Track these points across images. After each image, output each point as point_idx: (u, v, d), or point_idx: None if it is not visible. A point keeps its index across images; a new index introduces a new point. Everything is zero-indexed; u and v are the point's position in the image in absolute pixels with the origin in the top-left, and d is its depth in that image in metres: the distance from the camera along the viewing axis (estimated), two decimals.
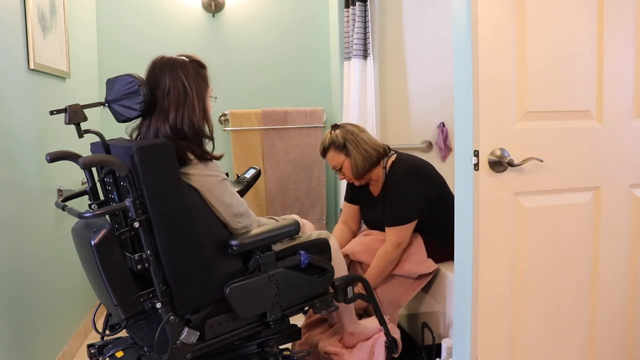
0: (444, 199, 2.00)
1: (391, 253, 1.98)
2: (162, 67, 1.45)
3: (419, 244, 2.05)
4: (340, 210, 2.94)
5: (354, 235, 2.30)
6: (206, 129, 1.50)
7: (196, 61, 1.51)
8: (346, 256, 2.07)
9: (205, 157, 1.45)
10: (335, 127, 2.13)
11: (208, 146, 1.52)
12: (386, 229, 2.02)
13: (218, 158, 1.51)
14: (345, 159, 2.07)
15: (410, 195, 1.99)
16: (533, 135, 1.37)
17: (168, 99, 1.43)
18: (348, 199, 2.31)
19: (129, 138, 1.54)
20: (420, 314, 2.16)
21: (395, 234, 1.98)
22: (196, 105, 1.46)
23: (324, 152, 2.13)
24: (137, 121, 1.50)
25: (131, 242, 1.43)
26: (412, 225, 2.00)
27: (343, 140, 2.06)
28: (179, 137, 1.43)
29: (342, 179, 2.18)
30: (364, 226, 2.36)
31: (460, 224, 1.41)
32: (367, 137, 2.10)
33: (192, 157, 1.41)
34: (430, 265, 2.01)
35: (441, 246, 1.98)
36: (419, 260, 2.01)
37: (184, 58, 1.49)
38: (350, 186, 2.26)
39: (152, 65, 1.47)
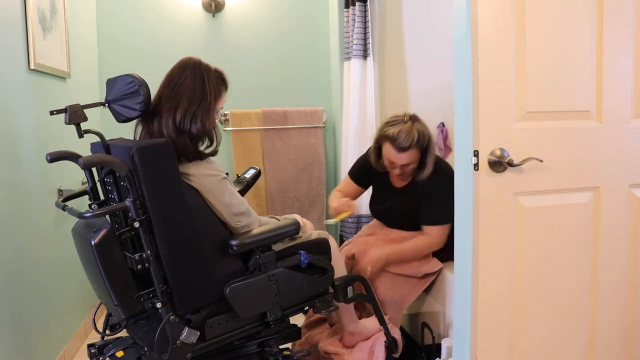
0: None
1: (428, 248, 1.96)
2: (187, 64, 1.47)
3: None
4: None
5: None
6: (214, 134, 1.51)
7: (220, 73, 1.52)
8: (352, 256, 2.06)
9: (200, 156, 1.45)
10: (411, 119, 1.91)
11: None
12: (432, 227, 1.96)
13: (212, 154, 1.51)
14: (417, 160, 1.93)
15: (452, 196, 1.97)
16: (533, 135, 1.37)
17: (182, 90, 1.43)
18: (356, 178, 2.18)
19: (129, 138, 1.54)
20: (420, 314, 2.16)
21: (442, 233, 1.95)
22: (211, 109, 1.47)
23: (406, 149, 1.87)
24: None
25: (131, 242, 1.43)
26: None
27: (428, 140, 1.89)
28: (180, 132, 1.42)
29: (398, 174, 1.99)
30: (364, 226, 2.35)
31: (460, 224, 1.41)
32: None
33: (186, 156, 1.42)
34: (436, 265, 2.01)
35: (447, 246, 1.98)
36: (425, 259, 2.01)
37: (211, 65, 1.50)
38: (363, 167, 2.14)
39: (179, 62, 1.49)
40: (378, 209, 2.20)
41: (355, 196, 2.23)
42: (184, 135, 1.43)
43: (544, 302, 1.44)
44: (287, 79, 3.17)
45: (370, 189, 2.26)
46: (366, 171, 2.14)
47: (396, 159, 1.93)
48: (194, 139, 1.44)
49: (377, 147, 2.02)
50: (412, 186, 2.03)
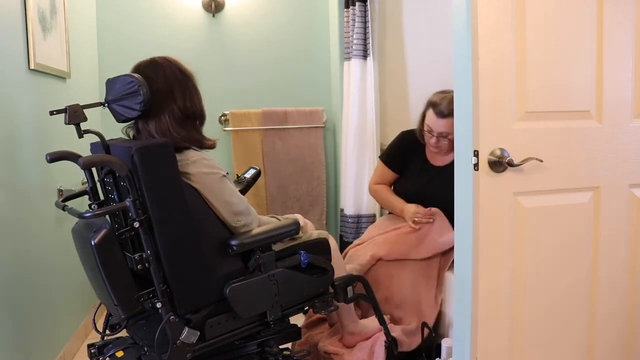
0: None
1: None
2: (152, 64, 1.48)
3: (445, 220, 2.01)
4: (341, 210, 2.94)
5: None
6: (203, 111, 1.56)
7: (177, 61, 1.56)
8: (380, 259, 2.02)
9: (204, 144, 1.50)
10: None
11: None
12: None
13: (213, 144, 1.55)
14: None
15: None
16: (533, 135, 1.37)
17: (168, 84, 1.45)
18: (390, 162, 2.15)
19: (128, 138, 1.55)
20: None
21: None
22: (196, 84, 1.52)
23: (445, 116, 1.87)
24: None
25: (131, 242, 1.43)
26: None
27: None
28: (186, 117, 1.47)
29: (434, 145, 1.98)
30: (370, 227, 2.32)
31: (460, 224, 1.41)
32: None
33: (189, 146, 1.45)
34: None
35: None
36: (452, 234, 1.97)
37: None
38: (398, 147, 2.12)
39: (136, 67, 1.48)
40: (409, 190, 2.12)
41: (391, 184, 2.23)
42: (191, 120, 1.48)
43: (544, 302, 1.44)
44: (287, 79, 3.16)
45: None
46: (401, 151, 2.14)
47: (435, 125, 1.94)
48: (198, 119, 1.51)
49: (423, 114, 2.03)
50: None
